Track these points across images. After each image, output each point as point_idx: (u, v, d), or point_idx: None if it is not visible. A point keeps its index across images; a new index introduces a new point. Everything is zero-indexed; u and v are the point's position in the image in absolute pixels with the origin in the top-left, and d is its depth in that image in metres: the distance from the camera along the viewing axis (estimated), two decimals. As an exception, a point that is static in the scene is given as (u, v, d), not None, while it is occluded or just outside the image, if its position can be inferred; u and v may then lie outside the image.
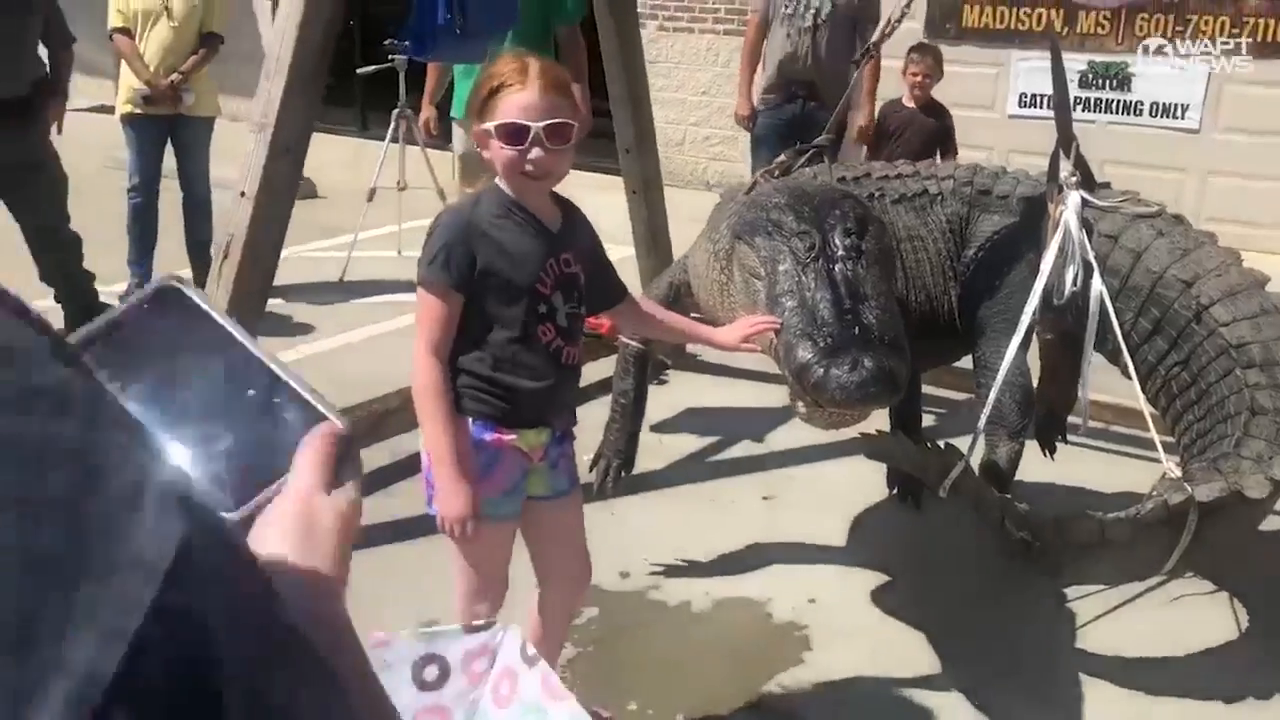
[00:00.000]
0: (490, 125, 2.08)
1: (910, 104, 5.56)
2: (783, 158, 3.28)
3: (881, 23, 3.34)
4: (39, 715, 0.30)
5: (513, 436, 2.22)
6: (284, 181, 3.26)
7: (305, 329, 5.35)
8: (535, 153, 2.07)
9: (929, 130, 5.49)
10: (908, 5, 3.09)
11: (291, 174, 3.31)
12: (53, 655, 0.31)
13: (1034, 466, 3.48)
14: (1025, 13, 7.62)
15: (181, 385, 0.61)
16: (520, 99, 2.06)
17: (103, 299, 5.03)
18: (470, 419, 2.20)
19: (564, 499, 2.38)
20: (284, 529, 0.60)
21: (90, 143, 7.28)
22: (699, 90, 8.57)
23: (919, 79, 5.46)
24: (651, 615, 3.13)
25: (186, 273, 5.55)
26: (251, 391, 0.63)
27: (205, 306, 0.62)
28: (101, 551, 0.33)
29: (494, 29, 3.87)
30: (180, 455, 0.60)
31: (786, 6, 5.54)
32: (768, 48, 5.76)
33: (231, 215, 3.30)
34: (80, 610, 0.32)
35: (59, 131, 4.87)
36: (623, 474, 3.72)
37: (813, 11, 5.47)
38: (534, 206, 2.18)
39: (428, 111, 5.06)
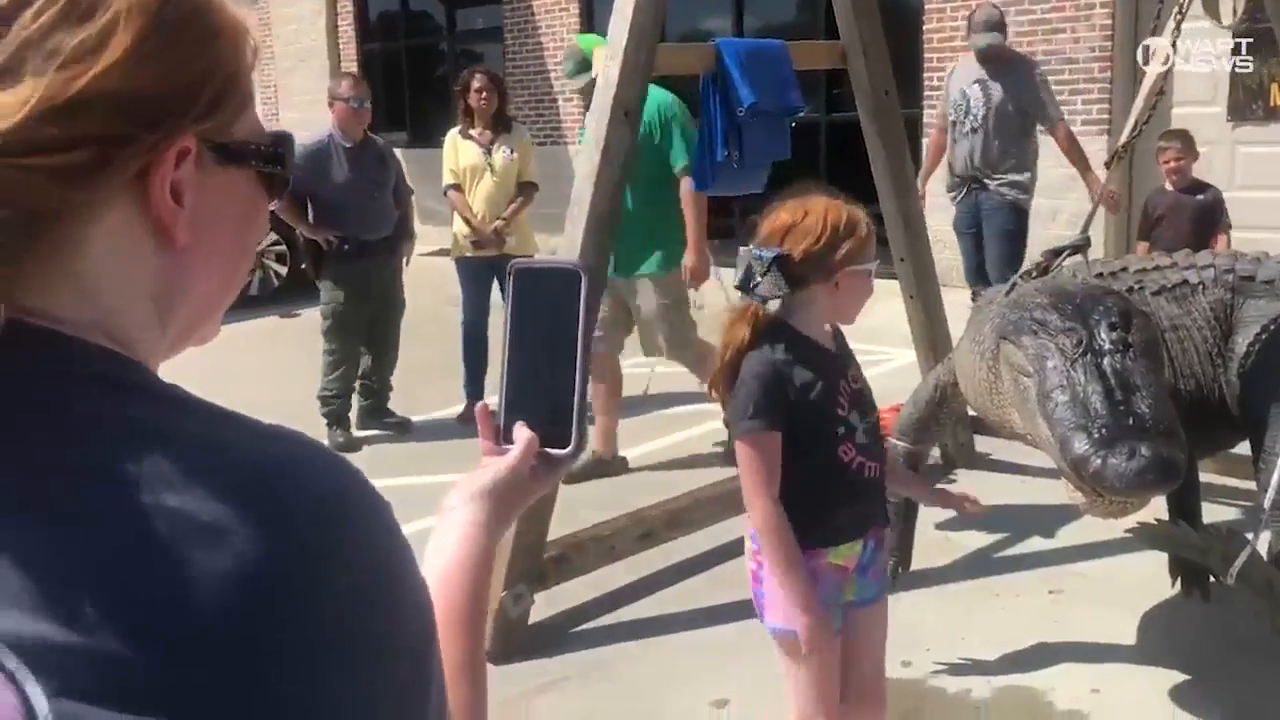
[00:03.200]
0: (866, 266, 2.28)
1: (1170, 189, 5.80)
2: (1040, 258, 3.42)
3: (1129, 125, 3.44)
4: None
5: (827, 554, 2.32)
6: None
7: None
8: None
9: (1194, 209, 5.68)
10: (1154, 106, 3.20)
11: (595, 303, 3.78)
12: None
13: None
14: (1340, 86, 7.25)
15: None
16: (868, 245, 2.29)
17: (440, 418, 5.81)
18: None
19: (871, 607, 2.45)
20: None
21: (433, 282, 8.27)
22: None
23: (1172, 164, 5.72)
24: (930, 701, 3.25)
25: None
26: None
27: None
28: None
29: (767, 160, 4.27)
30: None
31: (951, 115, 6.38)
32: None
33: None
34: None
35: (407, 264, 6.08)
36: (900, 570, 3.86)
37: (970, 117, 6.23)
38: (817, 335, 2.33)
39: None
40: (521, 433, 0.95)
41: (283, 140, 0.71)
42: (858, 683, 2.47)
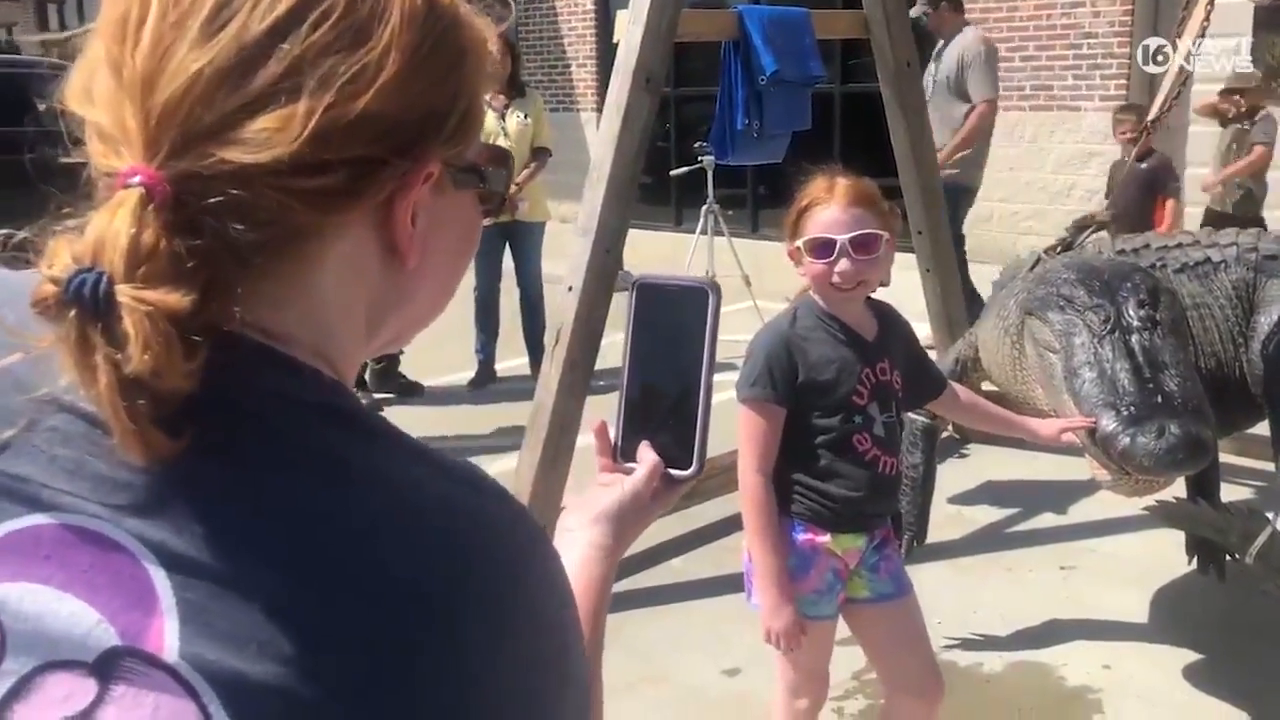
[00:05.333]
0: (800, 242, 2.17)
1: (1126, 158, 6.14)
2: (1064, 233, 3.40)
3: (1157, 103, 3.41)
4: None
5: (825, 538, 2.25)
6: (605, 277, 3.71)
7: (625, 408, 5.86)
8: (842, 264, 2.12)
9: (1141, 176, 6.04)
10: (1183, 84, 3.17)
11: (611, 270, 3.76)
12: None
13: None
14: (1365, 64, 7.18)
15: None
16: (826, 215, 2.14)
17: (451, 383, 5.79)
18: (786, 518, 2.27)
19: (891, 603, 2.35)
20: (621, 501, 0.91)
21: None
22: (1006, 166, 8.55)
23: (1129, 134, 6.08)
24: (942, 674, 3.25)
25: (523, 360, 6.22)
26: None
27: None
28: None
29: (787, 130, 4.23)
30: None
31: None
32: None
33: (562, 307, 3.78)
34: None
35: None
36: (915, 544, 3.86)
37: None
38: (848, 318, 2.23)
39: None
40: (646, 455, 0.92)
41: (506, 161, 0.71)
42: (904, 678, 2.40)
